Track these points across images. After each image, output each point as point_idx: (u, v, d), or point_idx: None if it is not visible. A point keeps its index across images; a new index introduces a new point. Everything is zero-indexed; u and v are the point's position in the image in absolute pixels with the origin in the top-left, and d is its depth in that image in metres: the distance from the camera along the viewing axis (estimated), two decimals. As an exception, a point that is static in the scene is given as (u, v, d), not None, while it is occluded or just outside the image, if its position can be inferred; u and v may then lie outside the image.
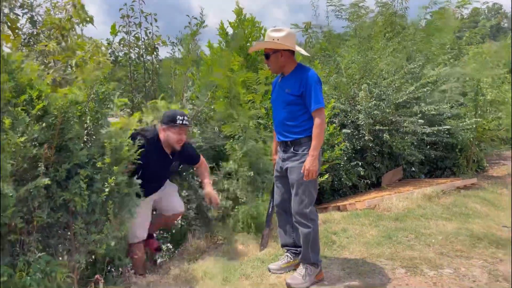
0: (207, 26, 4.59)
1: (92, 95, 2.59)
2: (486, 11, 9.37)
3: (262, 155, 4.30)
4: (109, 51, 4.49)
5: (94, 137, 2.73)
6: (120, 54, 4.59)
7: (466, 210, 4.86)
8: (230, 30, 5.71)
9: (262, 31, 5.70)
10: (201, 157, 3.53)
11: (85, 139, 2.73)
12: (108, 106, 2.70)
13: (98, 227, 2.63)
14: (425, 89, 5.80)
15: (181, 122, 3.00)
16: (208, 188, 3.40)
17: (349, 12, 8.28)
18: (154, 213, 3.62)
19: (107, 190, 2.50)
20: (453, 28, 7.24)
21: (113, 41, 4.50)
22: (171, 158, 3.17)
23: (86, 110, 2.59)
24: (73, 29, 3.70)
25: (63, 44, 3.57)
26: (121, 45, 4.52)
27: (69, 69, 3.07)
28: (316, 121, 2.73)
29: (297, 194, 2.83)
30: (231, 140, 4.28)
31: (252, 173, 4.11)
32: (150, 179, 3.00)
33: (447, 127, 5.96)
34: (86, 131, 2.71)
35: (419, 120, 5.66)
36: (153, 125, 3.29)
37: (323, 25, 6.96)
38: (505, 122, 6.23)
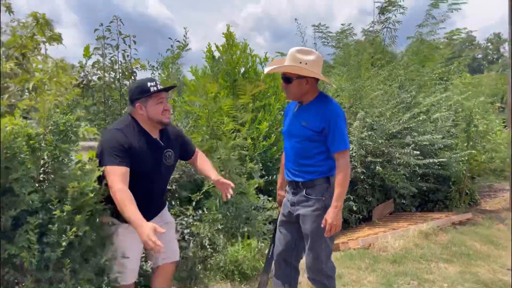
0: (190, 50, 4.25)
1: (50, 127, 2.18)
2: (460, 43, 9.34)
3: (243, 193, 3.90)
4: (81, 74, 4.10)
5: (52, 177, 2.30)
6: (94, 78, 4.20)
7: (466, 249, 4.53)
8: (217, 55, 5.39)
9: (253, 59, 5.40)
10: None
11: (42, 179, 2.30)
12: (71, 139, 2.28)
13: (53, 285, 2.16)
14: (419, 119, 5.55)
15: (155, 88, 2.29)
16: (217, 176, 2.60)
17: (336, 40, 8.14)
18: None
19: (64, 243, 2.05)
20: (443, 58, 7.14)
21: (85, 64, 4.11)
22: (162, 144, 2.39)
23: (42, 144, 2.16)
24: (38, 49, 3.31)
25: (26, 66, 3.17)
26: (95, 68, 4.13)
27: (26, 93, 2.65)
28: (341, 164, 2.35)
29: (312, 248, 2.45)
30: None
31: (229, 214, 3.68)
32: (145, 188, 2.33)
33: (442, 159, 5.71)
34: (42, 169, 2.28)
35: (415, 152, 5.39)
36: (125, 115, 2.49)
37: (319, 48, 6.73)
38: (499, 155, 6.03)
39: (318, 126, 2.39)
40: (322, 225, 2.36)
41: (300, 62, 2.37)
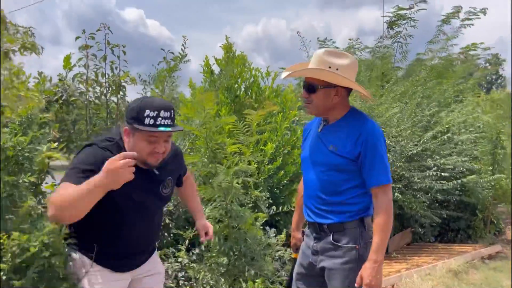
0: (189, 62, 3.72)
1: (-8, 152, 1.61)
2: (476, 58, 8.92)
3: (249, 228, 3.29)
4: (60, 88, 3.55)
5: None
6: (77, 93, 3.65)
7: (504, 291, 3.92)
8: (216, 69, 4.86)
9: (253, 73, 4.86)
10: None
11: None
12: (24, 168, 1.71)
13: None
14: (442, 139, 4.99)
15: (152, 123, 1.59)
16: (203, 218, 2.17)
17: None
18: None
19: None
20: (461, 74, 6.66)
21: (66, 77, 3.58)
22: (156, 173, 1.77)
23: (-19, 176, 1.59)
24: (6, 57, 2.78)
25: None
26: (76, 81, 3.59)
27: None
28: (381, 203, 1.81)
29: None
30: (210, 205, 3.26)
31: (232, 255, 3.07)
32: (135, 229, 1.74)
33: (467, 184, 5.13)
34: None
35: (443, 174, 4.80)
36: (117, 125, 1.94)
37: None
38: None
39: (351, 152, 1.84)
40: (356, 285, 1.80)
41: (330, 67, 1.82)
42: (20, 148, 1.67)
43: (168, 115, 1.63)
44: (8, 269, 1.52)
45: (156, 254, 2.02)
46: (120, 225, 1.73)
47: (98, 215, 1.61)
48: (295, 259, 2.23)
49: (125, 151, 1.67)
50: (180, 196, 2.20)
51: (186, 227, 3.55)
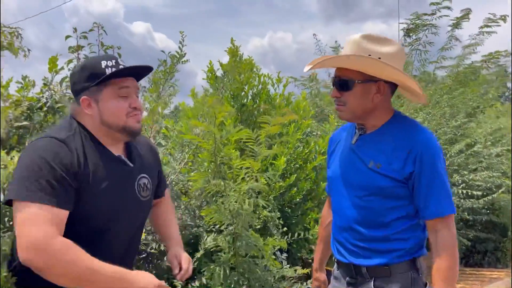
0: (188, 62, 3.29)
1: None
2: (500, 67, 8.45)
3: (259, 258, 2.82)
4: (46, 94, 3.14)
5: None
6: (63, 99, 3.24)
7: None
8: (220, 75, 4.44)
9: (262, 79, 4.43)
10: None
11: None
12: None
13: None
14: (470, 152, 4.53)
15: (114, 69, 1.29)
16: (178, 246, 1.60)
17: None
18: None
19: None
20: (485, 83, 6.23)
21: (52, 81, 3.16)
22: (129, 163, 1.37)
23: None
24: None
25: None
26: (65, 86, 3.18)
27: None
28: (443, 240, 1.38)
29: None
30: (214, 234, 2.80)
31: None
32: (106, 246, 1.30)
33: (498, 200, 4.66)
34: None
35: (476, 193, 4.33)
36: (66, 117, 1.46)
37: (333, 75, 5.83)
38: None
39: (400, 171, 1.40)
40: None
41: (370, 55, 1.38)
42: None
43: (121, 62, 1.33)
44: None
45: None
46: (92, 241, 1.26)
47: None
48: None
49: (91, 137, 1.31)
50: (154, 218, 1.66)
51: (191, 251, 3.10)
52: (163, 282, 1.20)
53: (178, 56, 3.36)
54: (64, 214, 1.17)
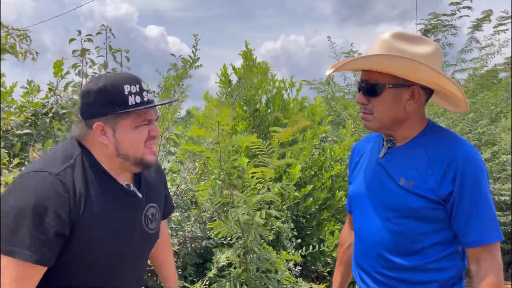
0: (201, 67, 3.14)
1: None
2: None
3: (272, 272, 2.64)
4: (51, 99, 3.04)
5: None
6: (69, 104, 3.13)
7: None
8: (234, 80, 4.30)
9: (276, 84, 4.28)
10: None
11: None
12: None
13: None
14: (498, 160, 4.29)
15: (139, 100, 1.13)
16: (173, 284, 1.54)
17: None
18: None
19: None
20: (507, 86, 5.95)
21: (57, 85, 3.06)
22: (138, 194, 1.22)
23: None
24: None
25: None
26: (70, 91, 3.07)
27: None
28: (488, 271, 1.19)
29: None
30: (225, 248, 2.64)
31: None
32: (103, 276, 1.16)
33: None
34: None
35: (502, 204, 4.09)
36: (67, 139, 1.27)
37: (349, 78, 5.64)
38: None
39: (436, 190, 1.21)
40: None
41: (403, 55, 1.20)
42: None
43: (147, 88, 1.19)
44: None
45: None
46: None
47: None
48: None
49: (97, 166, 1.15)
50: (154, 255, 1.51)
51: (199, 267, 2.95)
52: None
53: (191, 60, 3.21)
54: (42, 270, 1.04)
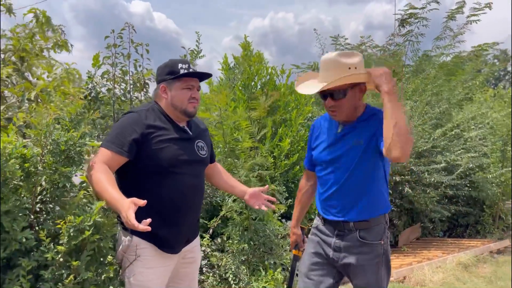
0: (204, 57, 3.89)
1: (49, 146, 1.78)
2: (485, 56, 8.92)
3: (267, 220, 3.46)
4: (90, 86, 3.73)
5: (51, 207, 1.89)
6: (103, 90, 3.82)
7: (512, 283, 4.05)
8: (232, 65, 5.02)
9: (269, 71, 5.02)
10: None
11: (38, 210, 1.89)
12: (75, 161, 1.88)
13: None
14: (451, 134, 5.10)
15: (186, 71, 1.89)
16: (250, 189, 2.14)
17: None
18: None
19: (61, 292, 1.62)
20: (471, 72, 6.74)
21: (94, 74, 3.75)
22: (189, 132, 1.96)
23: (39, 167, 1.76)
24: (40, 53, 2.95)
25: (26, 72, 2.80)
26: (105, 79, 3.76)
27: (26, 104, 2.26)
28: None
29: None
30: (229, 200, 3.43)
31: (252, 245, 3.24)
32: (175, 189, 1.86)
33: (477, 180, 5.25)
34: (39, 198, 1.87)
35: (453, 170, 4.94)
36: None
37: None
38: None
39: (370, 135, 1.83)
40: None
41: (349, 68, 1.81)
42: (72, 143, 1.83)
43: (193, 67, 1.94)
44: (65, 251, 1.70)
45: (198, 241, 2.12)
46: (171, 188, 1.86)
47: (145, 178, 1.84)
48: (295, 256, 2.24)
49: (161, 111, 1.93)
50: (215, 180, 2.25)
51: (209, 217, 3.72)
52: (136, 224, 1.48)
53: (196, 52, 3.96)
54: (117, 157, 1.79)
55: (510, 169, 5.70)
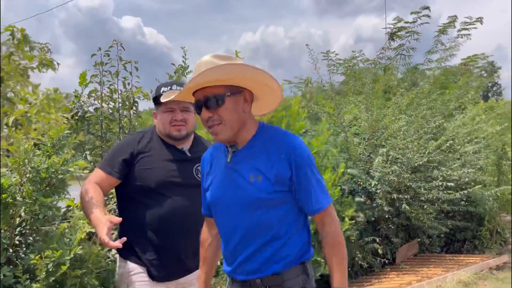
0: (191, 73, 3.81)
1: (28, 174, 1.65)
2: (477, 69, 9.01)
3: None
4: (76, 105, 3.61)
5: (31, 239, 1.76)
6: (91, 109, 3.70)
7: (514, 302, 3.95)
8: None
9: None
10: None
11: (17, 243, 1.75)
12: (56, 189, 1.75)
13: None
14: (446, 146, 5.05)
15: (165, 93, 1.75)
16: None
17: (345, 67, 7.76)
18: None
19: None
20: (463, 85, 6.74)
21: (82, 93, 3.63)
22: (187, 153, 1.88)
23: (17, 197, 1.63)
24: (25, 73, 2.83)
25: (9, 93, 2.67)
26: (92, 98, 3.64)
27: (6, 130, 2.13)
28: (330, 229, 1.44)
29: None
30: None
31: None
32: (160, 211, 1.76)
33: (475, 194, 5.19)
34: (19, 230, 1.74)
35: (449, 184, 4.86)
36: None
37: (325, 80, 6.29)
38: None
39: (280, 178, 1.41)
40: None
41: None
42: (53, 170, 1.71)
43: (176, 88, 1.85)
44: (43, 289, 1.56)
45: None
46: (160, 211, 1.78)
47: (134, 199, 1.81)
48: None
49: (156, 134, 1.93)
50: None
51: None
52: (110, 242, 1.46)
53: (182, 69, 3.91)
54: (108, 177, 1.80)
55: (510, 185, 5.66)
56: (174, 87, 1.87)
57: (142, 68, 3.85)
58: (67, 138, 1.76)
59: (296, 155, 1.40)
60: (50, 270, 1.57)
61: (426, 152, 5.08)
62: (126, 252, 1.77)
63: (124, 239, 1.47)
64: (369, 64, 7.80)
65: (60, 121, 2.11)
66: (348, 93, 7.03)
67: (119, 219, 1.55)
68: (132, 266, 1.77)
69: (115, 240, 1.49)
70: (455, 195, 5.00)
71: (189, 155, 1.90)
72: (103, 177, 1.80)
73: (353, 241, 4.85)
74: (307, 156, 1.42)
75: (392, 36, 7.74)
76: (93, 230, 2.16)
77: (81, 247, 1.69)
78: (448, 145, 4.99)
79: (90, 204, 1.65)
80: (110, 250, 2.27)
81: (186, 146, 1.92)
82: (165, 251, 1.79)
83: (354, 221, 4.79)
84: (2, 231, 1.62)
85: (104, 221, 1.53)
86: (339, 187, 4.58)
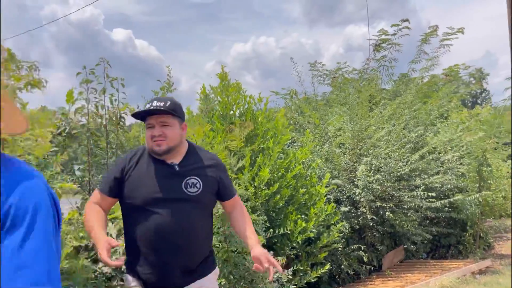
0: (176, 90, 3.94)
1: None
2: (459, 78, 9.24)
3: (247, 254, 3.42)
4: (63, 123, 3.69)
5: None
6: (78, 126, 3.79)
7: (495, 305, 4.07)
8: (211, 96, 5.06)
9: (247, 99, 5.06)
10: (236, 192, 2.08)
11: None
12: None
13: None
14: (428, 158, 5.20)
15: (148, 107, 1.81)
16: (258, 248, 1.87)
17: (331, 78, 7.94)
18: None
19: None
20: (445, 95, 6.93)
21: (69, 110, 3.72)
22: (176, 167, 1.86)
23: None
24: (12, 94, 2.92)
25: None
26: (79, 115, 3.73)
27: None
28: None
29: None
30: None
31: (232, 278, 3.19)
32: (148, 227, 1.78)
33: (457, 200, 5.33)
34: None
35: (429, 194, 5.00)
36: None
37: (309, 92, 6.47)
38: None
39: None
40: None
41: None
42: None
43: (161, 105, 1.81)
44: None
45: (213, 275, 1.96)
46: (147, 227, 1.79)
47: (127, 215, 1.88)
48: None
49: (147, 151, 1.93)
50: (232, 221, 2.08)
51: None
52: (110, 262, 1.58)
53: (167, 85, 4.03)
54: (104, 196, 1.86)
55: (491, 190, 5.81)
56: (154, 103, 1.84)
57: (134, 80, 3.97)
58: (52, 157, 1.85)
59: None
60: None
61: (409, 162, 5.23)
62: (126, 266, 1.88)
63: (123, 258, 1.60)
64: (355, 74, 8.00)
65: (44, 136, 2.19)
66: (333, 104, 7.20)
67: (118, 243, 1.64)
68: (130, 279, 1.85)
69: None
70: (436, 203, 5.13)
71: (177, 169, 1.86)
72: (99, 197, 1.87)
73: (339, 248, 4.96)
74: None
75: (376, 48, 7.96)
76: (82, 244, 2.27)
77: (67, 261, 1.76)
78: (430, 156, 5.14)
79: (89, 223, 1.78)
80: (97, 262, 2.34)
81: (176, 159, 1.88)
82: (154, 266, 1.82)
83: (342, 234, 4.89)
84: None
85: (103, 242, 1.62)
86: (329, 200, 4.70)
